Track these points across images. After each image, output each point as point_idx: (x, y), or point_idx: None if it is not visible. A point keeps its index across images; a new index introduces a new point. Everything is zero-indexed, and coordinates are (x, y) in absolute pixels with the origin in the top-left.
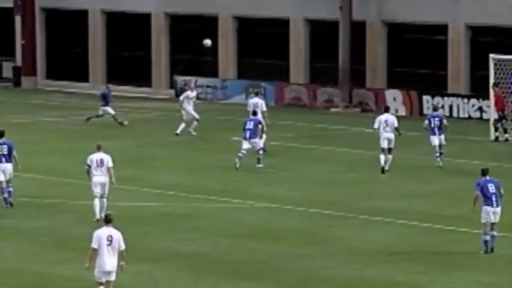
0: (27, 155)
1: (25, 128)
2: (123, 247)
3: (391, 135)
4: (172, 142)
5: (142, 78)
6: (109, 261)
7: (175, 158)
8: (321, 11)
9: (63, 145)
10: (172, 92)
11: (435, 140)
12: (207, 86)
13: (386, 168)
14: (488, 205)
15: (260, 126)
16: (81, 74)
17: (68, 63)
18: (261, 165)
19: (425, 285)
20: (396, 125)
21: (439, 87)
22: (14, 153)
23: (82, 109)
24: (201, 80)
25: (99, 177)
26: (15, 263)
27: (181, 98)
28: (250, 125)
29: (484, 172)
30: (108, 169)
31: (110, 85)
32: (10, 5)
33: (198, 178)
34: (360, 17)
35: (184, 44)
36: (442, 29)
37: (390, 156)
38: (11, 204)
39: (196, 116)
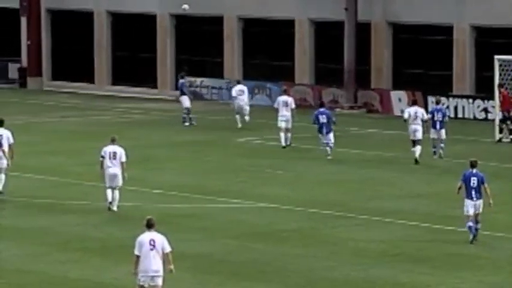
0: (32, 156)
1: (30, 129)
2: (168, 249)
3: (419, 127)
4: (176, 143)
5: (148, 79)
6: (152, 265)
7: (179, 158)
8: (326, 11)
9: (67, 145)
10: (177, 93)
11: (435, 133)
12: (212, 87)
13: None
14: (468, 198)
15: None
16: (86, 75)
17: (73, 64)
18: (330, 157)
19: (430, 286)
20: (425, 117)
21: (444, 88)
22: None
23: (87, 110)
24: (206, 81)
25: (112, 169)
26: (20, 263)
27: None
28: (324, 119)
29: (472, 164)
30: (121, 163)
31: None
32: (16, 6)
33: (201, 178)
34: (365, 18)
35: (190, 45)
36: (447, 30)
37: (419, 147)
38: None
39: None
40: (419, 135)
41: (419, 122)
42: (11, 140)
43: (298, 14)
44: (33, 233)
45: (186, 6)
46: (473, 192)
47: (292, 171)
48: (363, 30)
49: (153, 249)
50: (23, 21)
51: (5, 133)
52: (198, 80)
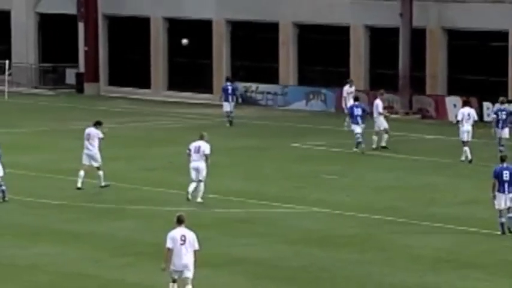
0: None
1: None
2: (196, 247)
3: (471, 128)
4: (232, 148)
5: (203, 84)
6: (183, 259)
7: (236, 164)
8: (381, 18)
9: (125, 151)
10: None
11: (499, 132)
12: (268, 93)
13: (469, 156)
14: (500, 191)
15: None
16: (143, 81)
17: (130, 69)
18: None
19: None
20: (476, 118)
21: (499, 94)
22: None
23: (144, 115)
24: (262, 87)
25: (195, 163)
26: (78, 267)
27: (344, 94)
28: (358, 112)
29: (503, 159)
30: (204, 155)
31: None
32: (73, 12)
33: (258, 184)
34: (420, 24)
35: (245, 51)
36: (503, 35)
37: (467, 148)
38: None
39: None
40: (469, 136)
41: (472, 122)
42: (101, 135)
43: (354, 20)
44: (91, 237)
45: (185, 40)
46: (505, 185)
47: (350, 177)
48: (418, 36)
49: (183, 244)
50: (81, 27)
51: (93, 132)
52: (254, 86)
